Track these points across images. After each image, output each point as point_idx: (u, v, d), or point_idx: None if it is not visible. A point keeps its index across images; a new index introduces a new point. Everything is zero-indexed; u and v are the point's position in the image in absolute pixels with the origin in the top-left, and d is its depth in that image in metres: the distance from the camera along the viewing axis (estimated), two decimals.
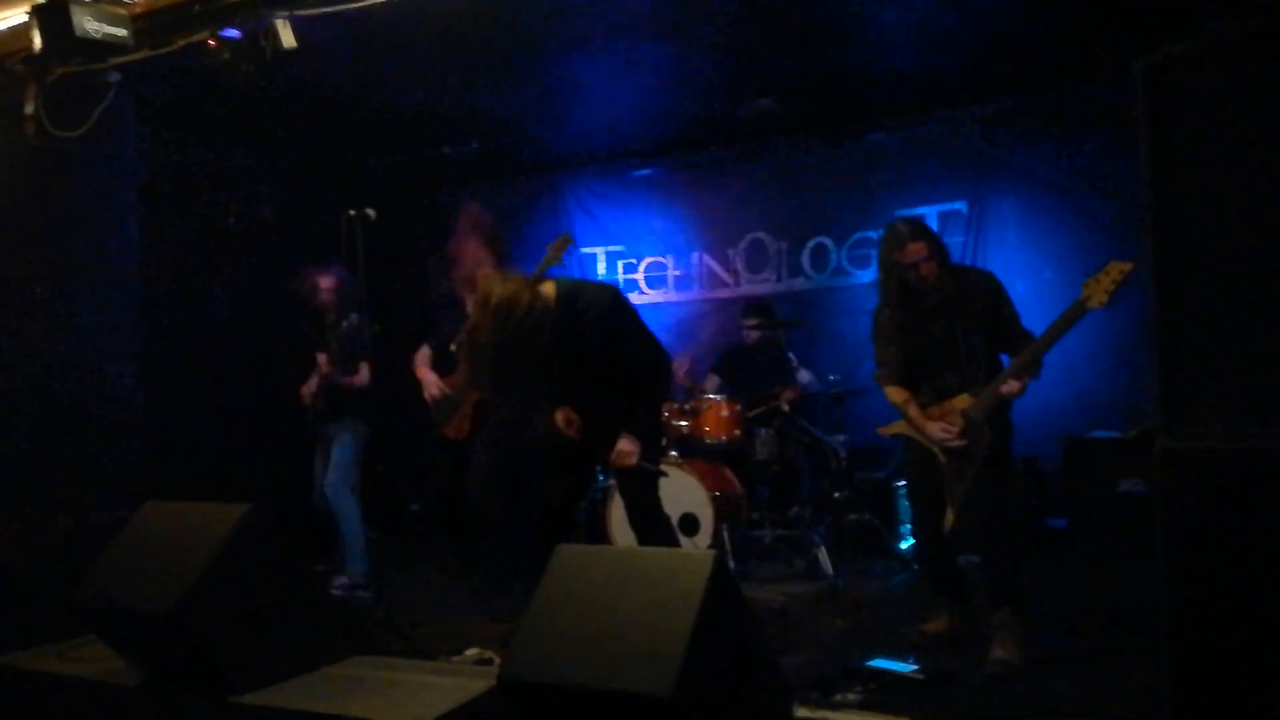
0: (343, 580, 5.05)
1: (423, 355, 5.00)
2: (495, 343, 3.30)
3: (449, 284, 4.96)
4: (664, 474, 3.69)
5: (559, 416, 3.65)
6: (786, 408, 5.58)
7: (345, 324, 5.01)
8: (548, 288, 3.48)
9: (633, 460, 3.55)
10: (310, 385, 5.25)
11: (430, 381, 4.86)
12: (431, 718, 2.66)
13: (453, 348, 4.86)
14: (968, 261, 5.90)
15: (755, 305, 6.21)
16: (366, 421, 5.19)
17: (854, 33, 5.04)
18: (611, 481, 4.90)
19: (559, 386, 3.69)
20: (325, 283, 5.26)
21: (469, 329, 3.60)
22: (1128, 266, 3.21)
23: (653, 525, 3.68)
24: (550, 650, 2.41)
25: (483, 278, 3.49)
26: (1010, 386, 3.43)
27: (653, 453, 3.66)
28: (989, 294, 3.59)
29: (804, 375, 5.93)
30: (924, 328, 3.60)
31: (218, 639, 2.95)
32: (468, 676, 3.09)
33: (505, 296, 3.28)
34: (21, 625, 3.59)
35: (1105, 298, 3.24)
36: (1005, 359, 3.58)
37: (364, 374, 5.11)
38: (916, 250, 3.52)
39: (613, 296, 3.65)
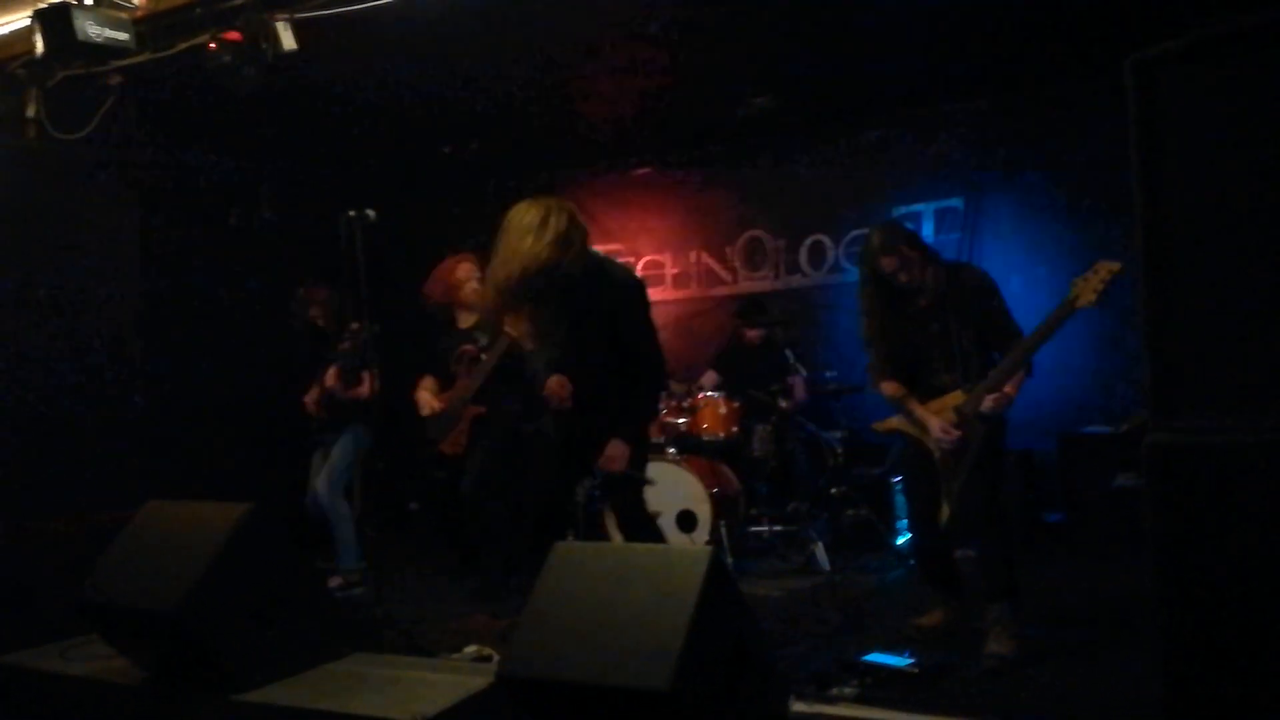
0: (337, 580, 5.08)
1: (425, 384, 5.03)
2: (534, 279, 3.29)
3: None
4: (651, 482, 3.71)
5: (553, 381, 3.61)
6: (785, 404, 5.60)
7: (346, 337, 5.01)
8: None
9: (620, 466, 3.53)
10: (313, 394, 5.28)
11: (425, 400, 4.90)
12: (431, 714, 2.69)
13: (453, 368, 4.90)
14: (964, 258, 5.92)
15: (750, 305, 6.21)
16: (367, 428, 5.20)
17: (850, 30, 5.05)
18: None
19: (564, 357, 3.65)
20: (315, 305, 5.32)
21: (498, 280, 3.41)
22: (1116, 266, 3.23)
23: (639, 527, 3.73)
24: (549, 646, 2.43)
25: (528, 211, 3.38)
26: (998, 399, 3.45)
27: (639, 460, 3.65)
28: (980, 291, 3.62)
29: (798, 377, 5.81)
30: (917, 327, 3.63)
31: (220, 637, 2.98)
32: (467, 673, 3.11)
33: (559, 229, 3.30)
34: (24, 625, 3.62)
35: (1094, 296, 3.25)
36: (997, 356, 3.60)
37: (366, 385, 5.03)
38: (889, 264, 3.57)
39: (640, 284, 3.71)
